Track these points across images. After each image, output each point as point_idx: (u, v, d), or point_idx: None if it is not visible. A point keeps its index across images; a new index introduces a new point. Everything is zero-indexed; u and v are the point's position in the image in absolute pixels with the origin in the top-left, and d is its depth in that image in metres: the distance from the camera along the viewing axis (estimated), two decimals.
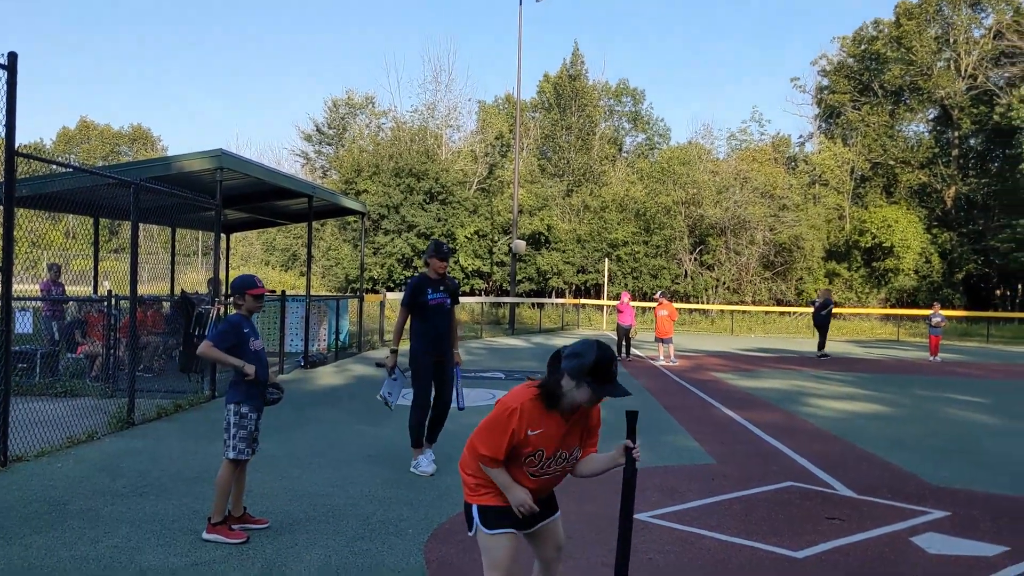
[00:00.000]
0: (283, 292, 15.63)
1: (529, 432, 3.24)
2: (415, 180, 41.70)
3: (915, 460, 8.18)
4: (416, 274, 7.30)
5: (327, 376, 14.27)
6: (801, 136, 56.83)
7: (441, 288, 7.22)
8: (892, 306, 42.20)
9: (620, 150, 54.96)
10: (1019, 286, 46.57)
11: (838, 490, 6.85)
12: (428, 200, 41.93)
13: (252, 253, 47.42)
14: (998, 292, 47.47)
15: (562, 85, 49.38)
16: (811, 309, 24.52)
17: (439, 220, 41.46)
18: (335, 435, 8.78)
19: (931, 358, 22.26)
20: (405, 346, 7.48)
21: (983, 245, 43.16)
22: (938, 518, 6.02)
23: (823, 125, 52.24)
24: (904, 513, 6.13)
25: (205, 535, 5.18)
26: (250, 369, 5.25)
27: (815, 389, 14.33)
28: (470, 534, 3.41)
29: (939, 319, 22.90)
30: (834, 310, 22.67)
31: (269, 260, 45.85)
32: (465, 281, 42.91)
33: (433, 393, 7.33)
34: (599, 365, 3.21)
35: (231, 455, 5.27)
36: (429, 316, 7.17)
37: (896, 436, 9.60)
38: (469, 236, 41.93)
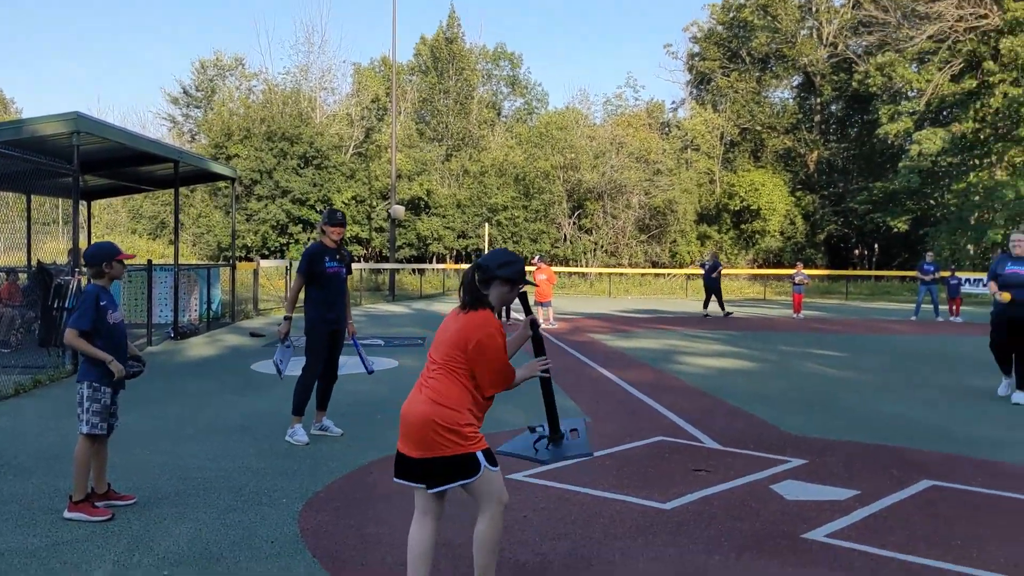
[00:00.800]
0: (149, 261, 15.04)
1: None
2: (288, 144, 40.66)
3: (777, 412, 8.59)
4: (312, 242, 7.25)
5: (198, 347, 13.86)
6: (674, 102, 58.22)
7: (337, 257, 7.18)
8: (759, 266, 44.01)
9: (499, 114, 54.96)
10: (875, 245, 49.22)
11: (705, 443, 7.13)
12: (303, 165, 40.99)
13: (118, 221, 45.34)
14: (856, 251, 50.08)
15: (439, 48, 48.91)
16: (694, 269, 25.19)
17: (315, 185, 40.61)
18: (207, 407, 8.56)
19: (794, 315, 23.33)
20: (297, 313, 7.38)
21: (843, 207, 45.39)
22: (796, 466, 6.34)
23: (694, 91, 53.58)
24: (765, 462, 6.44)
25: (67, 514, 4.98)
26: (116, 368, 5.05)
27: (686, 347, 14.82)
28: (465, 482, 3.54)
29: (802, 278, 24.00)
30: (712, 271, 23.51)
31: (136, 228, 43.99)
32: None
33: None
34: (524, 263, 3.78)
35: (85, 429, 5.07)
36: (326, 285, 7.11)
37: (760, 390, 10.04)
38: (346, 201, 41.27)
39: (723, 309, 23.05)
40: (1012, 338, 9.34)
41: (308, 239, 41.53)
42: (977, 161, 39.90)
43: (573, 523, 4.94)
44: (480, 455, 3.54)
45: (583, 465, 6.31)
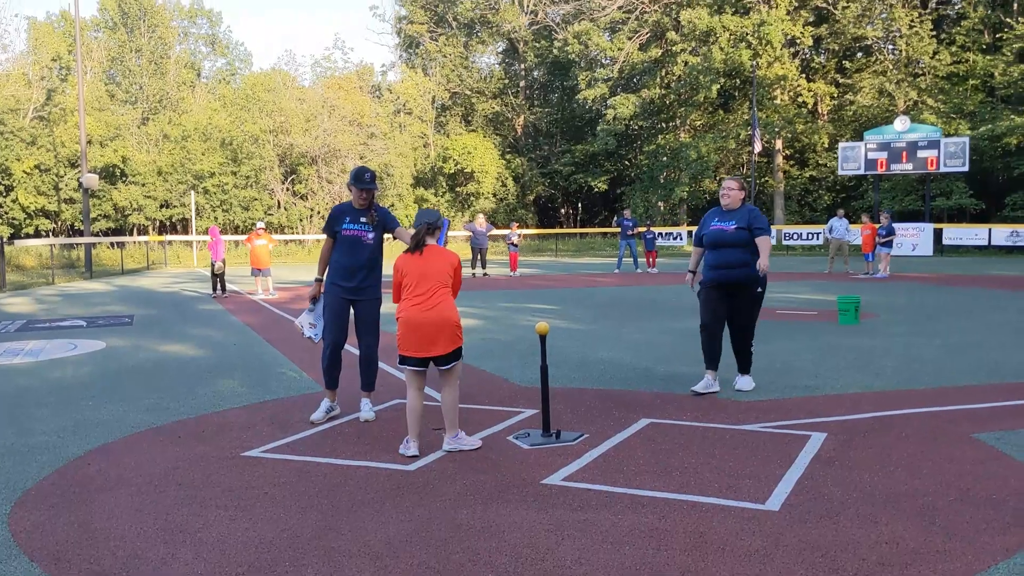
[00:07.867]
0: None
1: None
2: None
3: (505, 366, 8.92)
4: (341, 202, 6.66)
5: None
6: (384, 65, 58.06)
7: (363, 219, 6.54)
8: None
9: (199, 75, 51.96)
10: (579, 204, 52.36)
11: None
12: None
13: None
14: (563, 211, 53.02)
15: (128, 3, 45.22)
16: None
17: None
18: None
19: (511, 273, 24.32)
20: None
21: (549, 169, 47.77)
22: (529, 416, 6.63)
23: (404, 55, 53.73)
24: (501, 415, 6.67)
25: None
26: None
27: None
28: (454, 364, 5.69)
29: (516, 238, 25.02)
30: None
31: None
32: (28, 222, 38.36)
33: (354, 334, 6.77)
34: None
35: None
36: (343, 248, 6.55)
37: (486, 347, 10.36)
38: (28, 171, 37.35)
39: (483, 268, 23.97)
40: (719, 310, 7.26)
41: None
42: (664, 124, 43.53)
43: (318, 494, 4.84)
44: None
45: (323, 435, 6.20)
